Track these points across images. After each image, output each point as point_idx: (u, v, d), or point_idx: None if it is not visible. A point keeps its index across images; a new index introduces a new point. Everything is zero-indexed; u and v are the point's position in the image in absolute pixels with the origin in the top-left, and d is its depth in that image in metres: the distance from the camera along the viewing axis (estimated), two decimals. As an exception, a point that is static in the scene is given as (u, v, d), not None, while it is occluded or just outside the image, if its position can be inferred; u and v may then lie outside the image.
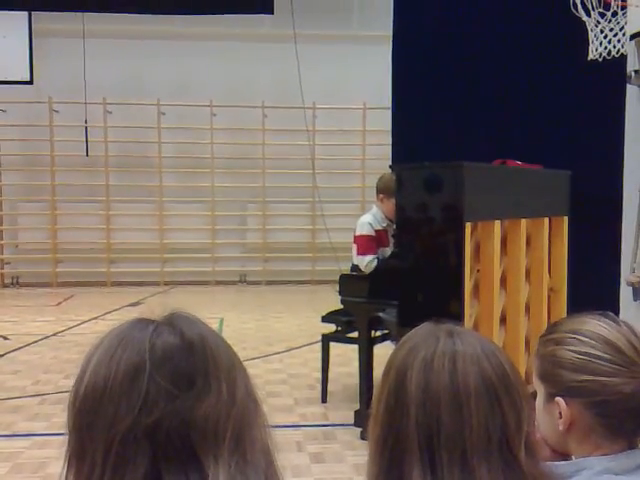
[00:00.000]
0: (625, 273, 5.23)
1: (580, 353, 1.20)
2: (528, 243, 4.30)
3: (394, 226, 4.56)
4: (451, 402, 0.98)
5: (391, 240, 4.68)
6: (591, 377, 1.19)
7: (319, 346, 4.71)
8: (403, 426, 0.99)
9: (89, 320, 7.55)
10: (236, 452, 0.90)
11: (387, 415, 1.01)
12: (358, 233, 4.61)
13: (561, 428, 1.22)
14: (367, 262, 4.46)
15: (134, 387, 0.89)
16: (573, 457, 1.25)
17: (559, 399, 1.22)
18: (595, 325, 1.23)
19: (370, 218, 4.68)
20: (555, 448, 1.27)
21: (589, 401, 1.19)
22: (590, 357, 1.20)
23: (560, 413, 1.22)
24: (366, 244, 4.53)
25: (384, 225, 4.68)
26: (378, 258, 4.49)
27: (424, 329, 1.07)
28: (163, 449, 0.87)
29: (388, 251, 4.63)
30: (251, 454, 0.92)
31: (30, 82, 9.60)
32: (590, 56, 4.10)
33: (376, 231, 4.63)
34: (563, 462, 1.23)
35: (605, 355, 1.19)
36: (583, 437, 1.22)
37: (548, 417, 1.25)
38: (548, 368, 1.25)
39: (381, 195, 4.66)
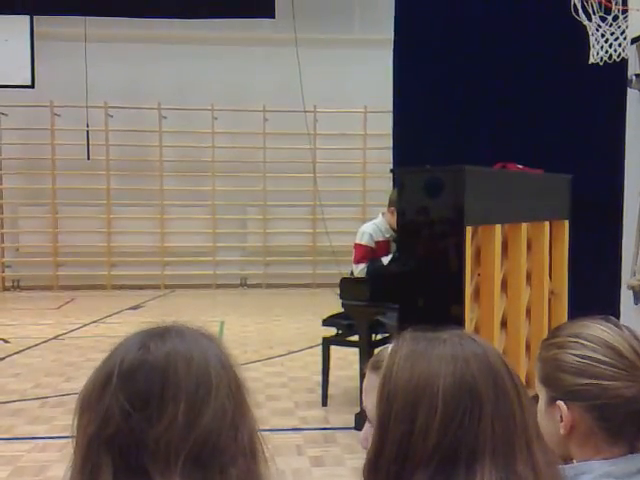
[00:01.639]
0: (625, 277, 5.24)
1: (581, 357, 1.21)
2: (529, 247, 4.30)
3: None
4: (515, 394, 0.99)
5: (393, 248, 4.71)
6: (592, 381, 1.19)
7: (319, 349, 4.71)
8: (473, 432, 0.96)
9: (90, 323, 7.55)
10: (194, 477, 0.89)
11: (446, 426, 0.96)
12: (357, 241, 4.70)
13: (562, 432, 1.22)
14: (359, 270, 4.55)
15: (102, 398, 0.92)
16: (574, 461, 1.25)
17: (560, 403, 1.22)
18: (597, 329, 1.23)
19: (372, 228, 4.70)
20: (557, 452, 1.26)
21: (590, 405, 1.19)
22: (591, 361, 1.20)
23: (561, 417, 1.22)
24: (362, 254, 4.64)
25: (387, 236, 4.70)
26: (368, 265, 4.54)
27: (434, 336, 1.04)
28: (119, 463, 0.89)
29: None
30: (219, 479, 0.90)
31: (32, 86, 9.61)
32: (591, 60, 4.11)
33: (377, 242, 4.66)
34: (564, 466, 1.23)
35: (606, 359, 1.19)
36: (584, 441, 1.22)
37: (549, 421, 1.25)
38: (550, 372, 1.25)
39: (392, 207, 4.66)
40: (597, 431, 1.20)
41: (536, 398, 1.29)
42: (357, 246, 4.67)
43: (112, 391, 0.91)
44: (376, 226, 4.73)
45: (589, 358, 1.20)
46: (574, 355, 1.21)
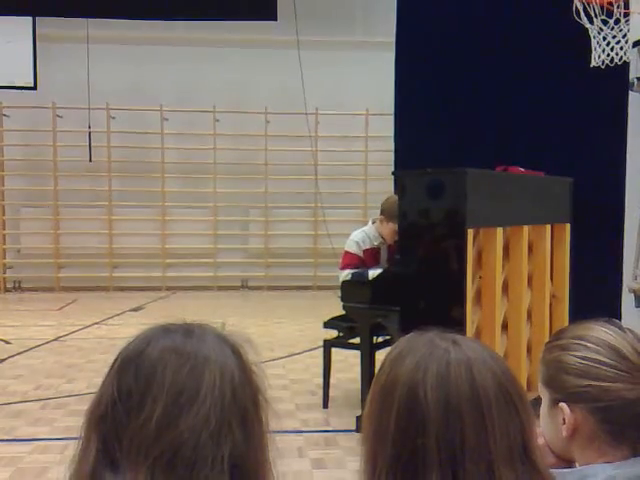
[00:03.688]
0: (627, 280, 5.24)
1: (584, 359, 1.21)
2: (530, 250, 4.30)
3: (386, 245, 4.73)
4: (473, 412, 0.94)
5: (384, 257, 4.73)
6: (594, 382, 1.19)
7: (321, 352, 4.71)
8: (420, 444, 0.94)
9: (91, 325, 7.55)
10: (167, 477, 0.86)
11: (399, 435, 0.96)
12: (346, 248, 4.74)
13: (565, 434, 1.22)
14: (343, 276, 4.57)
15: (105, 378, 0.93)
16: (577, 464, 1.24)
17: (563, 405, 1.22)
18: (600, 331, 1.23)
19: (360, 236, 4.71)
20: (559, 454, 1.26)
21: (592, 407, 1.19)
22: (594, 363, 1.20)
23: (564, 419, 1.22)
24: (348, 261, 4.66)
25: (376, 243, 4.71)
26: (352, 273, 4.55)
27: (420, 340, 1.02)
28: (100, 446, 0.89)
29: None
30: None
31: (34, 87, 9.62)
32: (593, 63, 4.11)
33: (366, 250, 4.67)
34: (567, 470, 1.22)
35: (609, 361, 1.19)
36: (587, 443, 1.21)
37: (552, 423, 1.25)
38: (553, 374, 1.25)
39: (381, 216, 4.70)
40: (600, 434, 1.20)
41: (539, 400, 1.29)
42: (345, 253, 4.72)
43: (111, 375, 0.92)
44: (365, 234, 4.73)
45: (592, 360, 1.20)
46: (577, 357, 1.21)
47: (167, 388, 0.89)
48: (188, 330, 0.96)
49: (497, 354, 1.05)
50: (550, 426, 1.26)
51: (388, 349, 1.09)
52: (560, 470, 1.21)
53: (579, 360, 1.21)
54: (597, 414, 1.19)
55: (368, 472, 1.01)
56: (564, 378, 1.22)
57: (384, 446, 0.98)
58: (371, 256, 4.70)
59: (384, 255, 4.76)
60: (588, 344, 1.21)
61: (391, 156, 6.07)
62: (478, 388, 0.96)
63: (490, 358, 1.00)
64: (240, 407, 0.92)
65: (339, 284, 4.51)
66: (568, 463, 1.26)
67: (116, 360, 0.94)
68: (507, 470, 0.94)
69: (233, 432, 0.90)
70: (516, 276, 4.10)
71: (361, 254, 4.66)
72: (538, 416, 1.25)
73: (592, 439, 1.21)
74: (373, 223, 4.80)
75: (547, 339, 1.27)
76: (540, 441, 1.26)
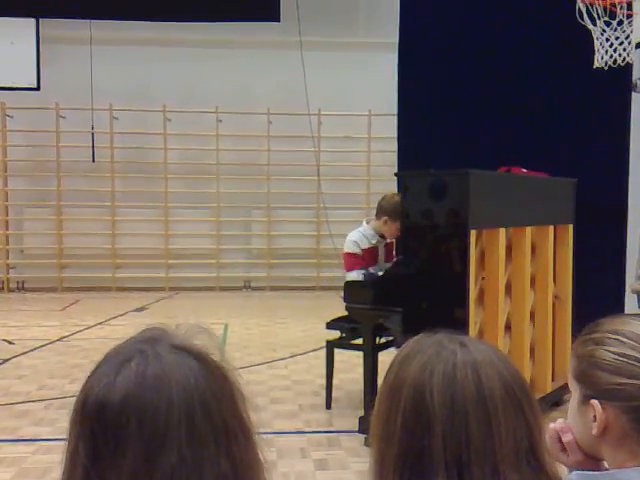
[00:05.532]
0: (630, 281, 5.24)
1: (620, 355, 1.15)
2: (533, 251, 4.30)
3: (386, 242, 4.71)
4: (479, 414, 0.95)
5: (382, 255, 4.73)
6: (629, 380, 1.13)
7: (323, 352, 4.71)
8: (426, 445, 0.95)
9: (94, 325, 7.56)
10: None
11: (406, 435, 0.97)
12: (345, 250, 4.72)
13: (595, 432, 1.17)
14: (352, 278, 4.52)
15: (70, 437, 0.94)
16: (605, 463, 1.20)
17: (594, 402, 1.16)
18: (637, 326, 1.17)
19: (357, 236, 4.70)
20: (588, 452, 1.22)
21: (625, 406, 1.14)
22: (630, 359, 1.14)
23: (594, 416, 1.17)
24: (351, 261, 4.64)
25: (373, 242, 4.71)
26: (365, 274, 4.52)
27: (428, 341, 1.03)
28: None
29: (384, 265, 4.68)
30: None
31: (37, 88, 9.65)
32: (596, 64, 4.11)
33: (364, 249, 4.67)
34: (598, 472, 1.19)
35: None
36: (618, 443, 1.16)
37: (582, 420, 1.20)
38: (585, 369, 1.19)
39: (385, 217, 4.59)
40: (632, 434, 1.15)
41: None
42: (345, 255, 4.69)
43: (75, 434, 0.90)
44: (361, 234, 4.73)
45: (627, 356, 1.14)
46: (612, 352, 1.16)
47: (136, 439, 0.85)
48: (141, 362, 0.91)
49: (506, 356, 1.04)
50: (580, 422, 1.21)
51: (390, 350, 1.09)
52: (592, 473, 1.18)
53: (614, 356, 1.15)
54: (630, 413, 1.14)
55: (376, 472, 1.01)
56: (597, 374, 1.16)
57: (391, 446, 0.98)
58: (370, 255, 4.71)
59: (382, 253, 4.77)
60: (624, 339, 1.16)
61: (394, 157, 6.07)
62: (484, 390, 0.96)
63: (498, 360, 1.00)
64: (218, 425, 0.87)
65: (360, 281, 4.46)
66: (596, 461, 1.22)
67: (75, 417, 0.90)
68: (512, 472, 0.94)
69: (216, 458, 0.86)
70: (519, 277, 4.10)
71: (360, 252, 4.66)
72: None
73: (623, 439, 1.16)
74: (367, 223, 4.80)
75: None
76: (568, 437, 1.23)
